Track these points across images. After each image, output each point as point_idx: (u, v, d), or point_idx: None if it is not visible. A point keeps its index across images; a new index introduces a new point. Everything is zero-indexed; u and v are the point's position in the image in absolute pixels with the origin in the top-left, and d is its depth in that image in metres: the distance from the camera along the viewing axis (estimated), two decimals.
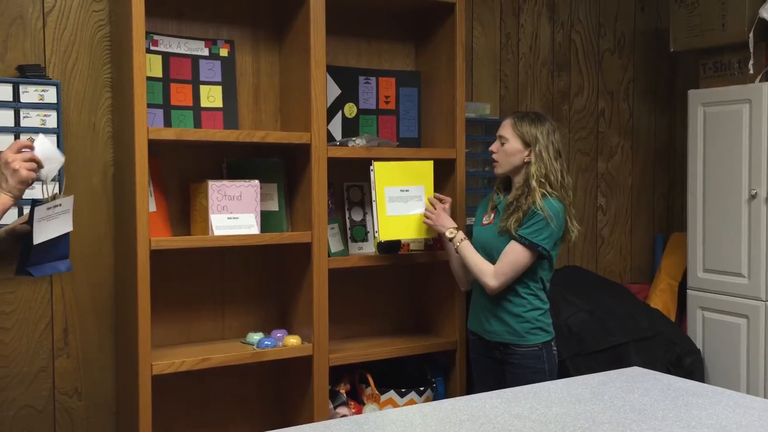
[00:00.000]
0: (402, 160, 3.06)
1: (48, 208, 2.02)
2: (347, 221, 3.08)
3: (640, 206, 4.16)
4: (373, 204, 2.77)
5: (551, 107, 3.80)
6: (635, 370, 2.07)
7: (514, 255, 2.54)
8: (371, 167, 2.76)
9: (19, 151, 1.92)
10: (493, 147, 2.68)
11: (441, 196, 2.84)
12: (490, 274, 2.57)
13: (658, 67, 4.17)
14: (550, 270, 2.66)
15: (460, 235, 2.70)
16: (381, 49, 3.22)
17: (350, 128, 3.07)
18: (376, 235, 2.75)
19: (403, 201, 2.79)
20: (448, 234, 2.71)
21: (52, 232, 2.05)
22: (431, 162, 2.88)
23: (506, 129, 2.67)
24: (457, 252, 2.70)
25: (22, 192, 1.92)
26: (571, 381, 1.97)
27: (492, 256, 2.61)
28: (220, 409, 2.90)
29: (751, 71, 3.37)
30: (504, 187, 2.74)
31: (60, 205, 2.04)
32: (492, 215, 2.71)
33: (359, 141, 2.90)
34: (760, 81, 3.36)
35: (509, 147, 2.65)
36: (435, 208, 2.80)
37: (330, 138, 2.89)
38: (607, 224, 4.04)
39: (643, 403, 1.76)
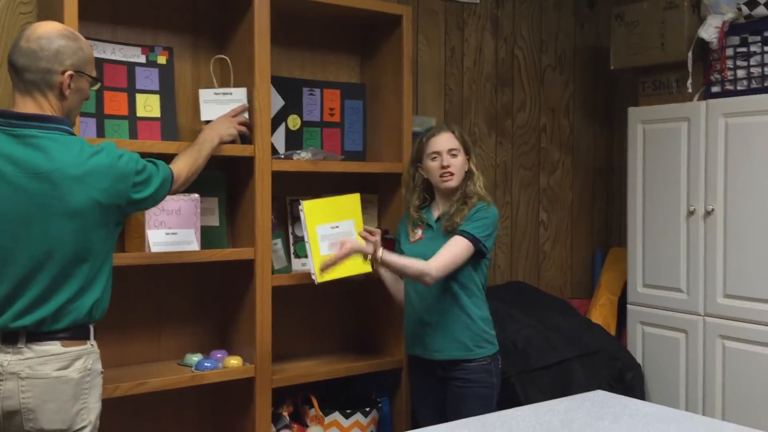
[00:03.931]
0: (347, 174, 2.99)
1: (215, 93, 2.58)
2: (290, 236, 2.97)
3: (580, 221, 4.19)
4: (307, 245, 2.64)
5: (495, 122, 3.79)
6: (599, 394, 2.03)
7: (457, 246, 2.49)
8: (300, 207, 2.64)
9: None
10: (448, 161, 2.60)
11: (371, 229, 2.74)
12: (426, 265, 2.46)
13: (598, 84, 4.22)
14: (486, 275, 2.65)
15: (379, 251, 2.51)
16: (326, 61, 3.14)
17: (294, 141, 2.97)
18: (314, 277, 2.62)
19: (335, 238, 2.67)
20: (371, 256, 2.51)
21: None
22: (358, 195, 2.79)
23: (453, 141, 2.63)
24: (383, 265, 2.51)
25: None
26: (537, 407, 1.92)
27: None
28: None
29: (690, 90, 3.42)
30: (424, 205, 2.69)
31: (231, 93, 2.52)
32: (420, 232, 2.66)
33: (304, 154, 2.81)
34: (698, 100, 3.42)
35: (461, 158, 2.62)
36: (373, 236, 2.66)
37: (273, 151, 2.79)
38: (549, 239, 4.05)
39: (614, 431, 1.71)
